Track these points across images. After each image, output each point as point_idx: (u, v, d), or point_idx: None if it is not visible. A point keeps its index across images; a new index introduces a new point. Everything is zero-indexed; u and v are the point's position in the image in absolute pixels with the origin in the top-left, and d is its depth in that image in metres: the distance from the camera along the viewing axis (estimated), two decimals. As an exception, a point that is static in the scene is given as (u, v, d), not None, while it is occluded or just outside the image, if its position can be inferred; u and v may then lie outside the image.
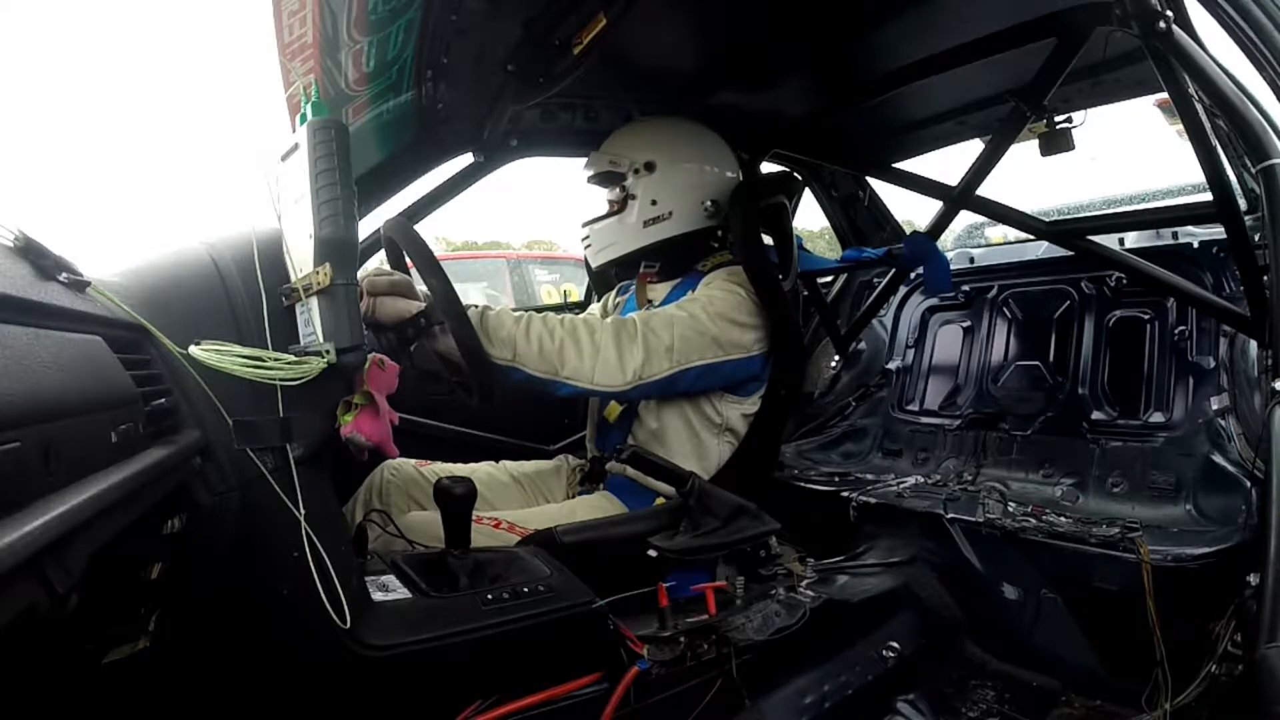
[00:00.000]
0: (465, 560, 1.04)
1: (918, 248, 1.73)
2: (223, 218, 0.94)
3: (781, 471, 1.93)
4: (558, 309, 2.08)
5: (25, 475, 0.44)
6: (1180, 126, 1.18)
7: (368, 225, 1.50)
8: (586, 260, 1.74)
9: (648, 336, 1.24)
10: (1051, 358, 1.76)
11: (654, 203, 1.48)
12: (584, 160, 1.60)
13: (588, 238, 1.57)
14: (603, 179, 1.56)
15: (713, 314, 1.32)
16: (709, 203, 1.50)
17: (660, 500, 1.36)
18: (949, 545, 1.54)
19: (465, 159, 1.64)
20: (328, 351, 0.79)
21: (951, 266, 1.84)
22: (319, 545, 0.78)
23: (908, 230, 2.10)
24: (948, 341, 2.00)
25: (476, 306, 1.18)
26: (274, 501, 0.77)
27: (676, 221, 1.49)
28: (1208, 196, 1.22)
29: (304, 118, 0.83)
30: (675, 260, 1.53)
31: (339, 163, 0.80)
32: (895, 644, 1.39)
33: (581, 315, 1.31)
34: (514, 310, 1.24)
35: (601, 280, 1.83)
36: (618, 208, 1.52)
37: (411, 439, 1.50)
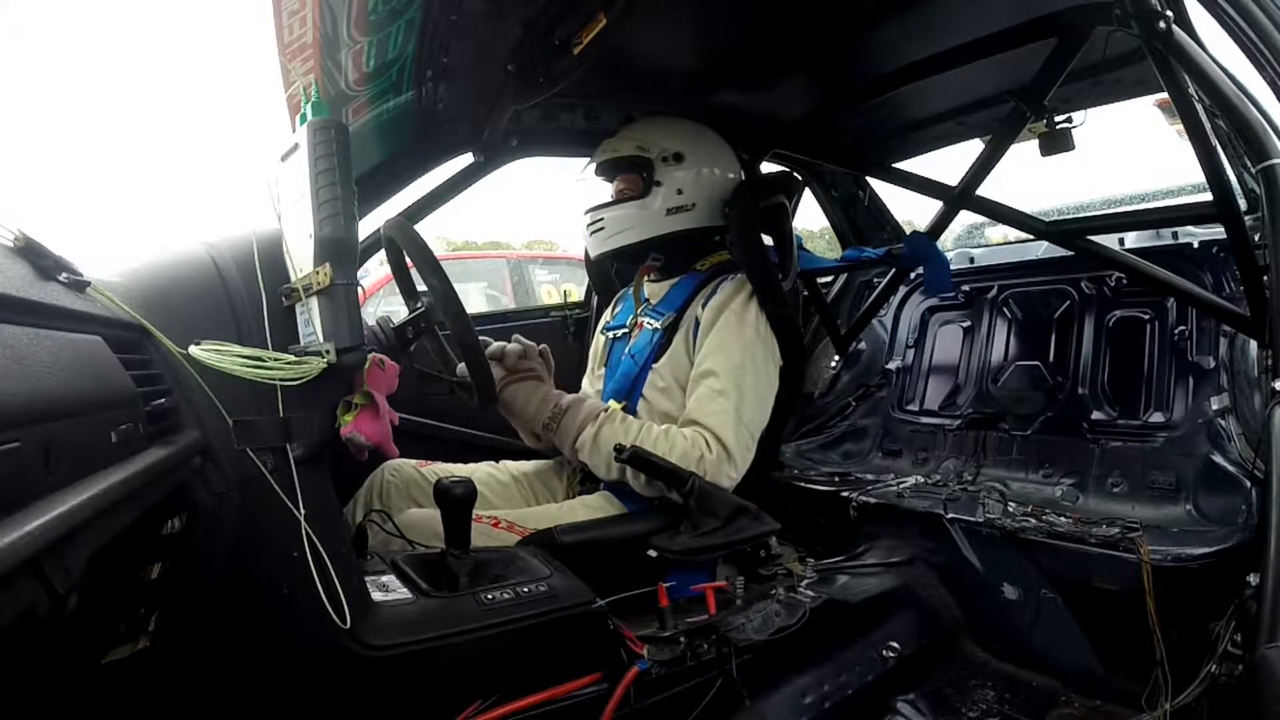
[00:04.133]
0: (465, 560, 1.04)
1: (918, 248, 1.72)
2: (223, 218, 0.95)
3: (781, 471, 1.93)
4: (558, 309, 2.09)
5: (25, 475, 0.44)
6: (1180, 126, 1.17)
7: (368, 225, 1.50)
8: (587, 255, 1.73)
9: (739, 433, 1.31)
10: (1051, 358, 1.76)
11: (679, 192, 1.47)
12: (584, 160, 1.59)
13: (599, 222, 1.51)
14: (620, 165, 1.51)
15: (763, 373, 1.36)
16: (725, 202, 1.49)
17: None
18: (949, 545, 1.55)
19: (465, 159, 1.64)
20: (328, 351, 0.79)
21: (951, 266, 1.84)
22: (319, 545, 0.78)
23: (908, 230, 2.10)
24: (948, 341, 2.00)
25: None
26: (274, 501, 0.77)
27: (698, 214, 1.48)
28: (1208, 196, 1.22)
29: (304, 118, 0.83)
30: (681, 255, 1.52)
31: (339, 163, 0.81)
32: (895, 644, 1.39)
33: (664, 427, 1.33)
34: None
35: (602, 280, 1.82)
36: (636, 193, 1.49)
37: (411, 439, 1.50)
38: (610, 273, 1.77)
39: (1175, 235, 1.63)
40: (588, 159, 1.58)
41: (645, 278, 1.58)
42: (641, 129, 1.52)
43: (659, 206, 1.47)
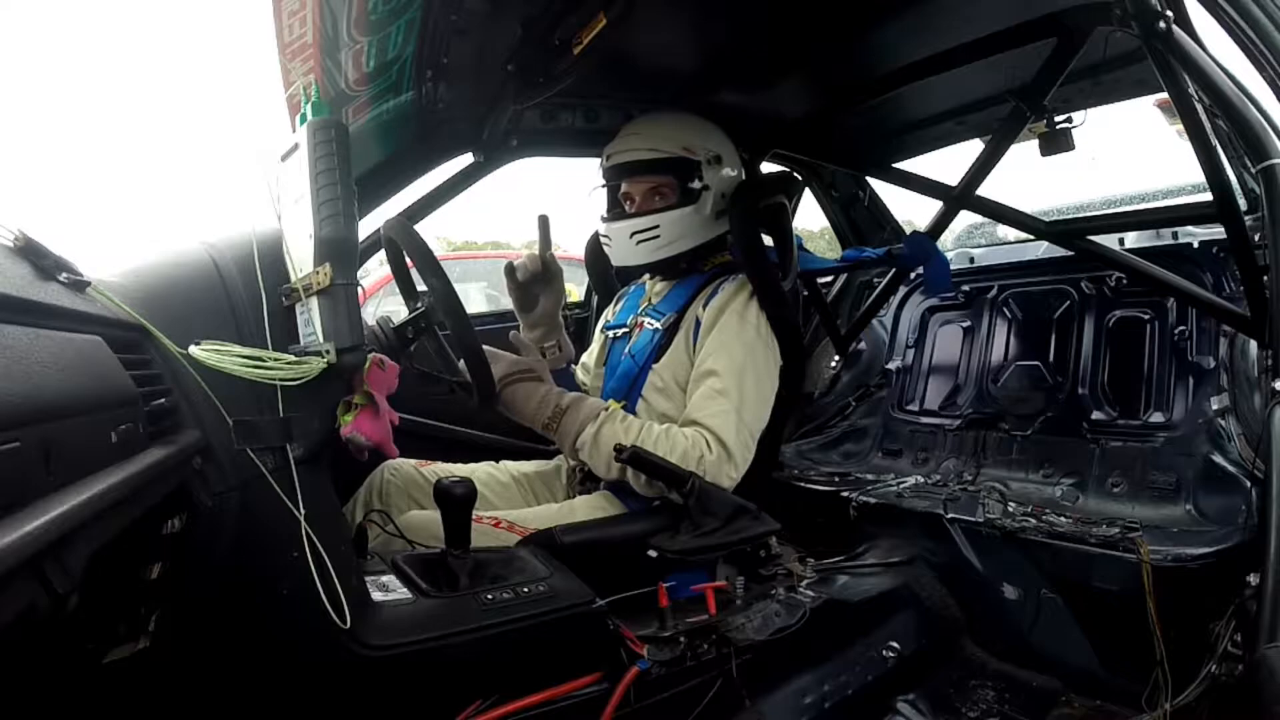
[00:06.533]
0: (465, 560, 1.04)
1: (918, 248, 1.72)
2: (223, 218, 0.95)
3: (781, 471, 1.93)
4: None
5: (25, 475, 0.44)
6: (1180, 126, 1.18)
7: (368, 225, 1.49)
8: (587, 255, 1.73)
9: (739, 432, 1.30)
10: (1051, 358, 1.76)
11: (723, 195, 1.43)
12: (596, 158, 1.54)
13: (654, 229, 1.41)
14: (657, 165, 1.41)
15: (763, 373, 1.35)
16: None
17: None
18: (949, 545, 1.55)
19: (465, 159, 1.63)
20: (328, 351, 0.79)
21: (951, 266, 1.84)
22: (319, 545, 0.78)
23: (908, 230, 2.10)
24: (948, 341, 2.01)
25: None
26: (274, 501, 0.77)
27: (728, 217, 1.45)
28: (1208, 196, 1.22)
29: (304, 118, 0.83)
30: (698, 257, 1.49)
31: (339, 163, 0.80)
32: (895, 644, 1.39)
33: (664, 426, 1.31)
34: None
35: (602, 280, 1.82)
36: (685, 199, 1.41)
37: (411, 439, 1.50)
38: (610, 272, 1.77)
39: (1175, 235, 1.63)
40: (596, 158, 1.51)
41: (655, 277, 1.57)
42: (675, 128, 1.44)
43: (709, 211, 1.42)
